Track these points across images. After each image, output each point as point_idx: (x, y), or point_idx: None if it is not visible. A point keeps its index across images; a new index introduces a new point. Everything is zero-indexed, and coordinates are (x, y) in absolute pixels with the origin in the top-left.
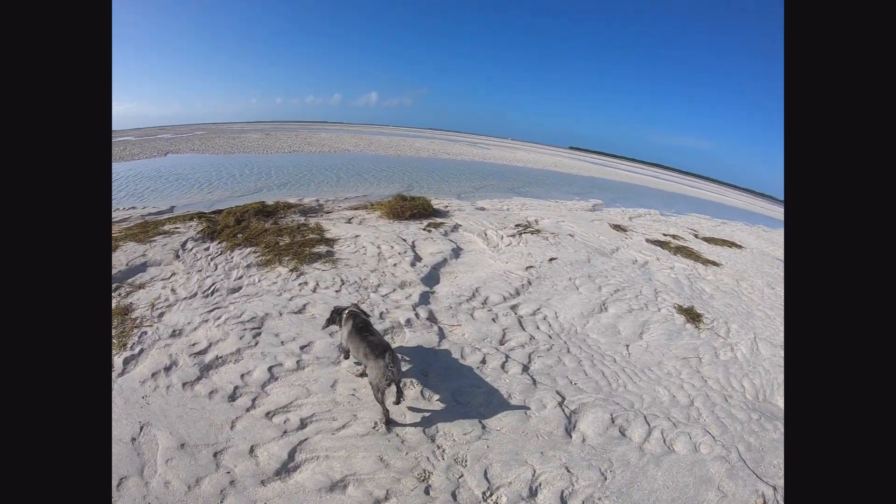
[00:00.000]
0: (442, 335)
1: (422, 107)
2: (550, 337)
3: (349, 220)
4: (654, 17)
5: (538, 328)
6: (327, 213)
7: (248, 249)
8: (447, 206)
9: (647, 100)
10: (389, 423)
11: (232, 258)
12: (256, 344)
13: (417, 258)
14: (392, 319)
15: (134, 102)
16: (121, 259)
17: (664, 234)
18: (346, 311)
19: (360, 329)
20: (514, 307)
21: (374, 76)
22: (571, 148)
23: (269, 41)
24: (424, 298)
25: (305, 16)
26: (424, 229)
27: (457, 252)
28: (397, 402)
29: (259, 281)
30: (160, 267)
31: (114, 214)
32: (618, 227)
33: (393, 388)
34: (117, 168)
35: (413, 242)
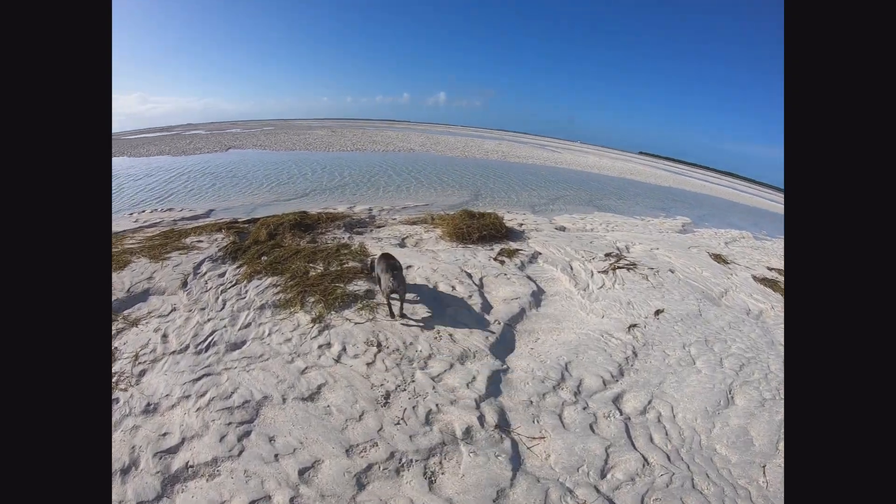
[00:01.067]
0: (517, 459)
1: (490, 107)
2: (669, 459)
3: (402, 242)
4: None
5: (652, 440)
6: (378, 227)
7: (269, 280)
8: (522, 224)
9: (721, 106)
10: (392, 315)
11: (246, 292)
12: (241, 453)
13: (487, 307)
14: (442, 426)
15: (211, 98)
16: (125, 281)
17: (769, 269)
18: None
19: (387, 257)
20: (617, 399)
21: (443, 77)
22: (641, 153)
23: (339, 44)
24: (495, 384)
25: (375, 23)
26: (496, 258)
27: (537, 297)
28: (394, 315)
29: (269, 334)
30: (163, 297)
31: (147, 217)
32: (718, 258)
33: (396, 303)
34: (173, 162)
35: (481, 280)
